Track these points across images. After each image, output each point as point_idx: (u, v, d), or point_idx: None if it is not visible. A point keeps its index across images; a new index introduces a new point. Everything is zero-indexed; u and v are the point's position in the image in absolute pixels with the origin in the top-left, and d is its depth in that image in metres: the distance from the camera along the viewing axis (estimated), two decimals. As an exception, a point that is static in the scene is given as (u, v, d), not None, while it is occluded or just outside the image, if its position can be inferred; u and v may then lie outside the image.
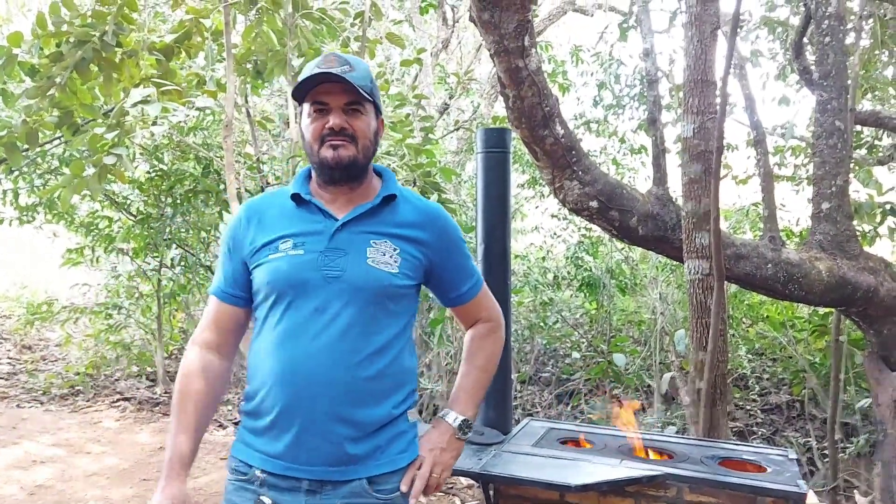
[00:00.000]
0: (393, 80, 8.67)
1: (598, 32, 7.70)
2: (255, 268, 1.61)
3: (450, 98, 8.79)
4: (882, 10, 6.25)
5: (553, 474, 2.03)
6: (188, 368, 1.64)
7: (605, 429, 2.49)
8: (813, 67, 4.46)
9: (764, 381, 6.69)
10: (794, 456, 2.26)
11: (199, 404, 1.62)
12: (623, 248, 7.31)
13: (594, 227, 7.31)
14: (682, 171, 3.27)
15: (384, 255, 1.56)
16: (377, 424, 1.56)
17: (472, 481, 4.02)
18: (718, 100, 3.06)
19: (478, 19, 3.43)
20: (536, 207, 8.88)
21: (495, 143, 2.46)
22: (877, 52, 6.67)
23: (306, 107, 1.61)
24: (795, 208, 6.86)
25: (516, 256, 8.31)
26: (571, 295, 7.96)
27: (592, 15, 9.36)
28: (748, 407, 6.45)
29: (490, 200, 2.46)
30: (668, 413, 5.88)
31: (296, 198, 1.63)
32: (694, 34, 3.03)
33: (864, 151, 6.62)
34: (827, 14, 4.00)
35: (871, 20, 6.37)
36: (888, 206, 4.85)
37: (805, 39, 5.43)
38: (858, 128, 6.19)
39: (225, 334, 1.68)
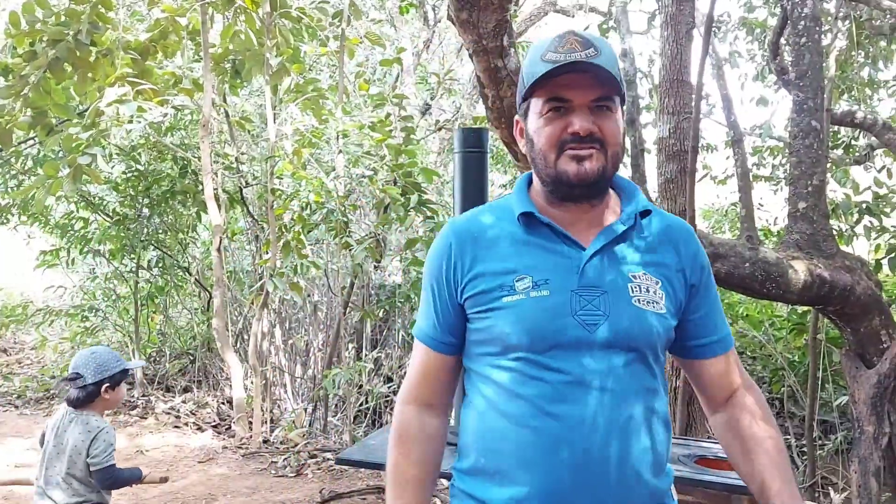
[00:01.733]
0: (373, 80, 8.66)
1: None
2: (479, 312, 1.24)
3: (431, 98, 8.79)
4: (857, 12, 6.33)
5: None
6: (407, 432, 1.31)
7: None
8: (790, 67, 4.50)
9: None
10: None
11: (425, 473, 1.30)
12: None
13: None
14: (658, 171, 3.28)
15: (648, 290, 1.20)
16: None
17: (452, 482, 3.99)
18: (694, 99, 3.08)
19: (456, 18, 3.42)
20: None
21: (473, 143, 2.46)
22: (853, 52, 6.75)
23: (536, 103, 1.23)
24: (773, 208, 6.93)
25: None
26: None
27: (573, 16, 9.40)
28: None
29: (468, 200, 2.45)
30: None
31: (526, 218, 1.25)
32: (670, 34, 3.04)
33: (840, 151, 6.69)
34: (803, 15, 4.03)
35: (846, 21, 6.44)
36: (864, 206, 4.90)
37: (782, 40, 5.47)
38: (835, 128, 6.26)
39: (440, 387, 1.34)
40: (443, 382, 1.33)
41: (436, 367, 1.32)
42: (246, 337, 6.92)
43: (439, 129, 8.29)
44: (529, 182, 1.33)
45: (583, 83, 1.18)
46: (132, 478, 2.52)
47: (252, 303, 6.24)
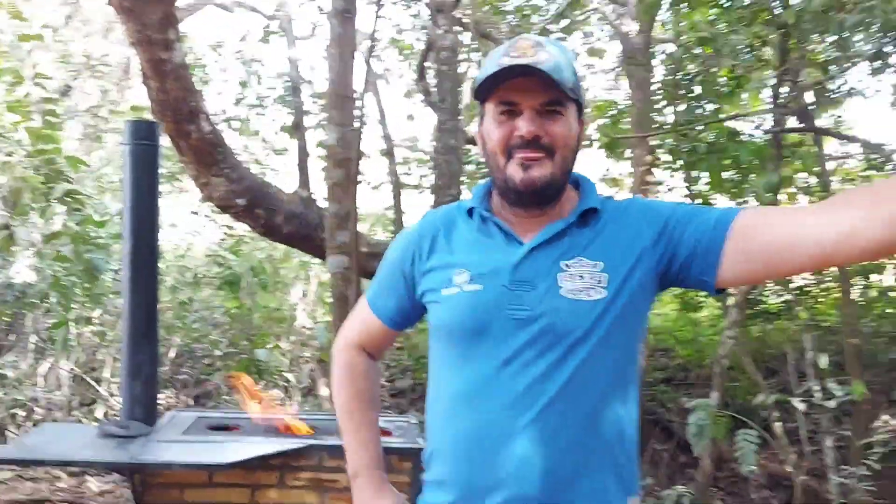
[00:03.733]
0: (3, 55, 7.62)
1: (241, 34, 7.76)
2: (429, 304, 1.29)
3: (73, 80, 8.04)
4: (486, 47, 7.40)
5: (203, 456, 2.11)
6: (357, 369, 1.44)
7: (254, 413, 2.63)
8: (433, 90, 5.15)
9: (392, 369, 7.41)
10: (415, 421, 2.67)
11: (375, 405, 1.45)
12: (265, 247, 7.45)
13: (235, 224, 7.32)
14: (326, 176, 3.57)
15: (582, 277, 1.17)
16: None
17: (104, 487, 3.81)
18: (357, 113, 3.40)
19: (118, 6, 3.31)
20: (175, 204, 8.58)
21: (145, 136, 2.42)
22: (482, 82, 7.84)
23: (490, 107, 1.23)
24: (421, 214, 7.75)
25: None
26: (211, 294, 7.86)
27: (233, 11, 9.34)
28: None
29: (139, 195, 2.41)
30: (308, 405, 6.19)
31: (477, 216, 1.28)
32: (335, 53, 3.33)
33: (473, 167, 7.75)
34: (444, 46, 4.67)
35: (478, 53, 7.47)
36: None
37: (428, 63, 6.19)
38: (468, 146, 7.23)
39: (377, 346, 1.48)
40: (379, 344, 1.47)
41: (376, 330, 1.42)
42: None
43: (86, 114, 7.63)
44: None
45: (531, 87, 1.17)
46: None
47: None
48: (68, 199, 4.95)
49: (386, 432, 2.51)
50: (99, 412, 5.83)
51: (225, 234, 7.63)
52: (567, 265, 1.19)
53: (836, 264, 1.27)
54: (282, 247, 7.27)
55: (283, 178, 8.39)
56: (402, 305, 1.37)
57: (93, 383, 6.02)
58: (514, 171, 1.20)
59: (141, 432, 2.24)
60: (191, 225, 8.10)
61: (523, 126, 1.18)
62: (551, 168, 1.19)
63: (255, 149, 8.25)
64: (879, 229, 0.95)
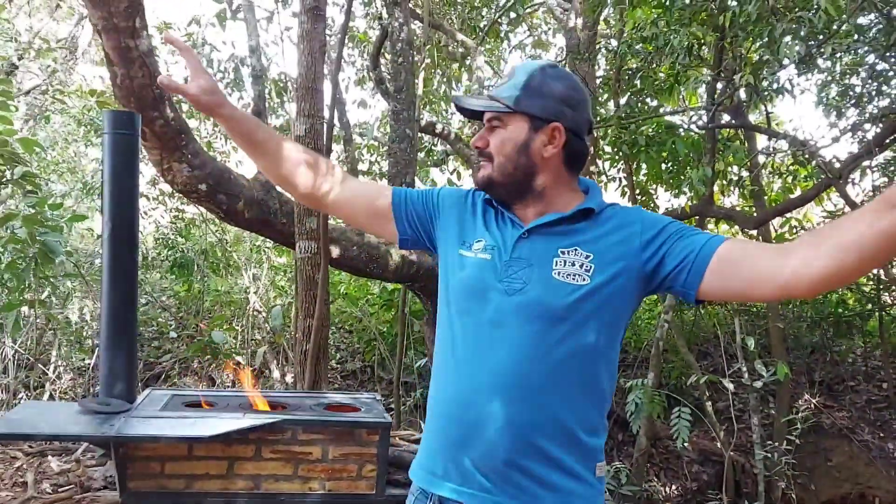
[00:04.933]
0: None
1: (194, 17, 7.70)
2: (444, 250, 1.50)
3: (19, 59, 7.86)
4: (437, 37, 7.55)
5: (184, 430, 2.25)
6: (298, 146, 1.60)
7: (225, 391, 2.77)
8: (388, 81, 5.29)
9: (342, 351, 7.55)
10: (379, 397, 2.85)
11: (270, 131, 1.57)
12: (217, 230, 7.48)
13: (187, 208, 7.32)
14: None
15: (573, 265, 1.35)
16: (552, 482, 1.33)
17: (64, 467, 3.87)
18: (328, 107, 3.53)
19: (86, -7, 3.36)
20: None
21: (125, 125, 2.51)
22: (433, 71, 8.02)
23: None
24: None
25: (98, 237, 7.85)
26: (161, 276, 7.85)
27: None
28: (329, 375, 7.22)
29: (117, 182, 2.50)
30: (260, 387, 6.30)
31: (489, 201, 1.50)
32: (305, 48, 3.46)
33: (423, 155, 7.91)
34: (400, 38, 4.81)
35: (428, 45, 7.62)
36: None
37: (382, 50, 6.31)
38: (420, 134, 7.39)
39: (349, 192, 1.56)
40: (356, 190, 1.58)
41: (376, 187, 1.63)
42: None
43: (35, 93, 7.49)
44: None
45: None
46: None
47: None
48: (23, 182, 4.91)
49: (354, 408, 2.69)
50: (45, 396, 5.81)
51: (175, 217, 7.61)
52: (563, 251, 1.36)
53: (793, 297, 1.60)
54: (233, 230, 7.32)
55: (234, 161, 8.39)
56: (414, 212, 1.55)
57: (41, 366, 5.99)
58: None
59: (121, 409, 2.35)
60: (142, 207, 8.04)
61: (474, 138, 1.47)
62: (489, 171, 1.42)
63: (206, 132, 8.22)
64: (820, 265, 1.13)
